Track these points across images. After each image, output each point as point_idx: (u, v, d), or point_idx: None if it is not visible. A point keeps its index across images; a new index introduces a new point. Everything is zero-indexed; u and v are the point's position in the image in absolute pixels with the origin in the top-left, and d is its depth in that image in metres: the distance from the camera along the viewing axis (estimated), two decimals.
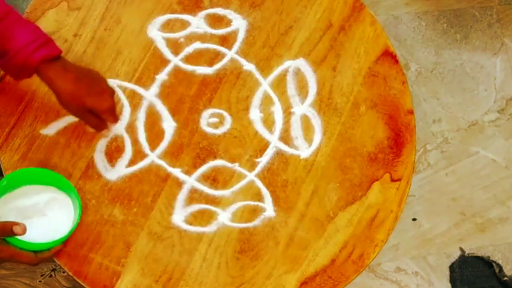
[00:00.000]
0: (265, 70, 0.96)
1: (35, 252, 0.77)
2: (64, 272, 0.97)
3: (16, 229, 0.71)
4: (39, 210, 0.80)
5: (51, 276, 1.00)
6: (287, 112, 0.95)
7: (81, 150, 0.89)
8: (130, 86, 0.92)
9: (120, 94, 0.92)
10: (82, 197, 0.86)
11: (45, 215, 0.80)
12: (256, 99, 0.94)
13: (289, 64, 0.96)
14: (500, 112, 1.61)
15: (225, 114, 0.93)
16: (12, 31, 0.76)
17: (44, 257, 0.78)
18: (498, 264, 1.49)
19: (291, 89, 0.95)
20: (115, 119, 0.87)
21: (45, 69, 0.77)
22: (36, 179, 0.81)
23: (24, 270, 0.95)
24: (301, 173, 0.92)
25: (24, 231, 0.71)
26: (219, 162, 0.91)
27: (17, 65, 0.76)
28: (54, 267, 1.00)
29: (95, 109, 0.81)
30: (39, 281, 0.99)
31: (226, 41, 0.96)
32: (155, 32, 0.95)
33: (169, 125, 0.92)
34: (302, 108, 0.95)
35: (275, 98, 0.95)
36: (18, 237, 0.73)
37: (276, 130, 0.94)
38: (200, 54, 0.95)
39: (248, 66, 0.96)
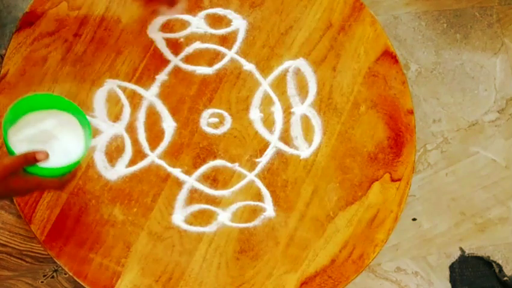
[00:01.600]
0: (265, 70, 0.96)
1: (58, 176, 0.75)
2: (65, 274, 0.98)
3: (39, 156, 0.69)
4: (49, 134, 0.77)
5: (53, 277, 1.01)
6: (287, 112, 0.95)
7: None
8: (130, 86, 0.92)
9: (120, 94, 0.92)
10: (82, 197, 0.86)
11: (56, 138, 0.77)
12: (256, 99, 0.94)
13: (289, 64, 0.96)
14: (500, 112, 1.61)
15: (225, 114, 0.93)
16: None
17: (68, 180, 0.76)
18: (498, 264, 1.49)
19: (291, 89, 0.95)
20: None
21: None
22: (39, 105, 0.78)
23: (26, 271, 0.95)
24: (301, 173, 0.92)
25: (47, 156, 0.70)
26: (219, 162, 0.91)
27: None
28: (56, 268, 1.00)
29: None
30: (41, 282, 0.99)
31: (226, 41, 0.96)
32: (155, 32, 0.95)
33: (169, 125, 0.92)
34: (302, 108, 0.95)
35: (275, 98, 0.95)
36: (39, 164, 0.71)
37: (276, 130, 0.94)
38: (200, 54, 0.95)
39: (248, 66, 0.96)
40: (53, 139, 0.77)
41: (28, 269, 0.94)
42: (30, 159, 0.69)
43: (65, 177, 0.76)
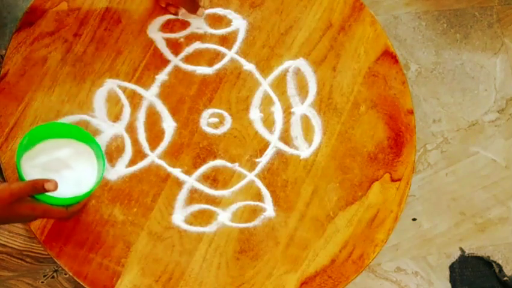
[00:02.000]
0: (265, 70, 0.96)
1: (66, 206, 0.75)
2: (65, 274, 0.98)
3: (48, 186, 0.69)
4: (62, 163, 0.78)
5: (53, 277, 1.01)
6: (287, 112, 0.95)
7: None
8: (130, 86, 0.92)
9: (120, 94, 0.92)
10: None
11: (70, 168, 0.78)
12: (256, 99, 0.94)
13: (289, 64, 0.96)
14: (500, 112, 1.61)
15: (225, 114, 0.93)
16: None
17: (75, 210, 0.76)
18: (498, 264, 1.49)
19: (291, 89, 0.95)
20: None
21: None
22: (54, 133, 0.79)
23: (26, 272, 0.95)
24: (301, 173, 0.92)
25: (56, 186, 0.69)
26: (219, 162, 0.91)
27: None
28: (56, 268, 1.00)
29: None
30: (42, 282, 0.99)
31: (226, 41, 0.96)
32: (155, 32, 0.95)
33: (169, 125, 0.92)
34: (302, 108, 0.95)
35: (275, 98, 0.95)
36: (49, 193, 0.71)
37: (276, 130, 0.94)
38: (200, 54, 0.95)
39: (248, 66, 0.96)
40: (66, 168, 0.77)
41: (28, 269, 0.94)
42: (39, 187, 0.69)
43: (73, 208, 0.76)
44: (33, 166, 0.75)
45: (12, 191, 0.68)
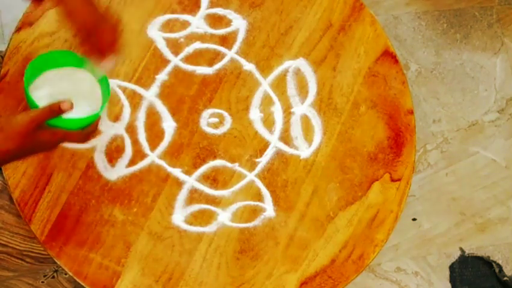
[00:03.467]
0: (265, 70, 0.96)
1: (81, 128, 0.76)
2: (65, 274, 0.98)
3: (64, 106, 0.71)
4: (68, 90, 0.79)
5: (53, 277, 1.01)
6: (287, 112, 0.95)
7: (81, 150, 0.88)
8: (130, 86, 0.92)
9: (120, 94, 0.92)
10: (81, 197, 0.86)
11: (76, 93, 0.78)
12: (256, 99, 0.94)
13: (289, 64, 0.96)
14: (500, 112, 1.61)
15: (225, 114, 0.93)
16: None
17: (90, 131, 0.78)
18: (498, 264, 1.49)
19: (291, 89, 0.95)
20: None
21: None
22: (55, 62, 0.80)
23: (27, 271, 0.95)
24: (301, 173, 0.92)
25: (72, 106, 0.71)
26: (219, 162, 0.91)
27: None
28: (56, 268, 1.00)
29: None
30: (42, 282, 0.99)
31: (226, 41, 0.96)
32: (155, 32, 0.95)
33: (169, 125, 0.92)
34: (302, 108, 0.95)
35: (275, 98, 0.95)
36: (64, 116, 0.72)
37: (276, 130, 0.94)
38: (200, 54, 0.95)
39: (248, 66, 0.96)
40: (73, 94, 0.78)
41: (28, 269, 0.94)
42: (56, 109, 0.71)
43: (87, 129, 0.77)
44: (40, 97, 0.76)
45: (32, 117, 0.69)
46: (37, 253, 0.93)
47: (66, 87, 0.80)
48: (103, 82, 0.80)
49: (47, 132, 0.72)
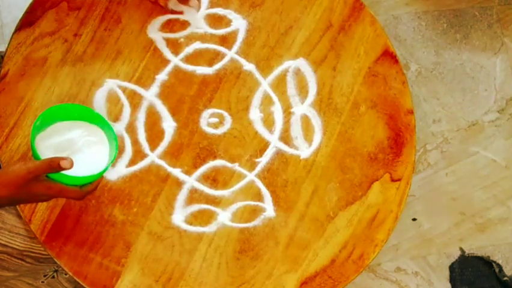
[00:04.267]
0: (265, 70, 0.96)
1: (80, 186, 0.76)
2: (65, 274, 0.97)
3: (64, 163, 0.69)
4: (75, 144, 0.78)
5: (53, 277, 1.01)
6: (287, 112, 0.95)
7: None
8: (130, 86, 0.92)
9: (120, 94, 0.92)
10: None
11: (83, 149, 0.78)
12: (256, 99, 0.94)
13: (289, 64, 0.96)
14: (500, 112, 1.61)
15: (225, 114, 0.93)
16: None
17: (89, 190, 0.76)
18: (498, 264, 1.49)
19: (291, 89, 0.95)
20: None
21: None
22: (67, 115, 0.79)
23: (27, 272, 0.95)
24: (301, 173, 0.92)
25: (71, 165, 0.70)
26: (219, 162, 0.91)
27: None
28: (56, 268, 1.00)
29: None
30: (42, 282, 0.99)
31: (226, 41, 0.96)
32: (155, 32, 0.95)
33: (169, 125, 0.92)
34: (302, 108, 0.95)
35: (275, 98, 0.95)
36: (64, 172, 0.71)
37: (276, 130, 0.94)
38: (200, 54, 0.95)
39: (248, 66, 0.96)
40: (79, 149, 0.78)
41: (29, 269, 0.94)
42: (55, 165, 0.69)
43: (86, 188, 0.76)
44: (47, 147, 0.76)
45: (30, 169, 0.68)
46: (37, 253, 0.93)
47: (74, 141, 0.78)
48: (113, 142, 0.79)
49: (42, 185, 0.70)
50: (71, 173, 0.72)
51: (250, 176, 0.91)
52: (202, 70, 0.95)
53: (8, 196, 0.69)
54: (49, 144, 0.77)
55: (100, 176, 0.77)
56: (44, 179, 0.71)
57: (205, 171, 0.91)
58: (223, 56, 0.96)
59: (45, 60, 0.92)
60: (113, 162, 0.78)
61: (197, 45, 0.95)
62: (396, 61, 0.99)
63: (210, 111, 0.93)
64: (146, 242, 0.87)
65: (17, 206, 0.86)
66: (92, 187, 0.77)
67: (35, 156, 0.73)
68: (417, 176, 1.54)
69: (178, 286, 0.86)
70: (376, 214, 0.92)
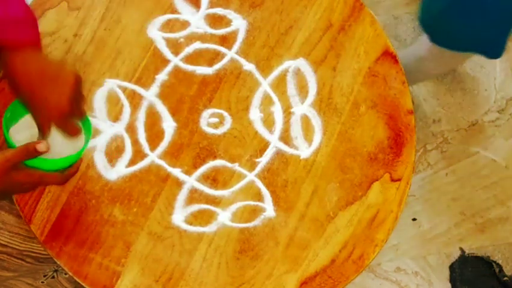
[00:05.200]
0: (265, 70, 0.96)
1: (60, 170, 0.75)
2: (65, 274, 0.98)
3: (40, 147, 0.69)
4: (50, 132, 0.76)
5: (53, 277, 1.01)
6: (287, 112, 0.95)
7: None
8: (130, 86, 0.93)
9: (120, 94, 0.92)
10: (82, 197, 0.86)
11: (57, 135, 0.76)
12: (256, 99, 0.95)
13: (289, 64, 0.96)
14: (500, 112, 1.61)
15: (225, 114, 0.94)
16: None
17: (70, 173, 0.76)
18: (498, 264, 1.49)
19: (291, 89, 0.96)
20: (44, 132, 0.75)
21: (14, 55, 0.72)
22: None
23: (27, 272, 0.95)
24: (301, 173, 0.92)
25: (48, 147, 0.70)
26: (219, 162, 0.91)
27: None
28: (56, 268, 1.00)
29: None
30: (42, 282, 0.99)
31: (226, 41, 0.96)
32: (155, 32, 0.95)
33: (169, 125, 0.92)
34: (302, 108, 0.95)
35: (275, 98, 0.95)
36: (41, 156, 0.70)
37: (276, 130, 0.94)
38: (200, 54, 0.95)
39: (248, 66, 0.96)
40: (53, 136, 0.76)
41: (28, 269, 0.94)
42: (32, 150, 0.69)
43: (67, 171, 0.76)
44: (21, 141, 0.74)
45: (7, 157, 0.67)
46: (37, 253, 0.93)
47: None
48: (86, 123, 0.78)
49: (23, 173, 0.70)
50: (49, 156, 0.72)
51: (250, 176, 0.91)
52: (202, 70, 0.95)
53: None
54: (23, 137, 0.76)
55: (78, 157, 0.76)
56: (23, 168, 0.71)
57: (205, 171, 0.91)
58: (223, 56, 0.96)
59: None
60: (88, 143, 0.77)
61: (197, 45, 0.95)
62: (396, 61, 0.99)
63: (210, 111, 0.93)
64: (146, 242, 0.87)
65: (17, 206, 0.86)
66: (73, 170, 0.76)
67: (10, 145, 0.72)
68: (417, 176, 1.54)
69: (178, 286, 0.86)
70: (376, 214, 0.92)
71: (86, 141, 0.77)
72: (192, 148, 0.91)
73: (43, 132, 0.73)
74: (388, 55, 0.99)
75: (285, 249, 0.89)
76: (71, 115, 0.74)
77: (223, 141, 0.92)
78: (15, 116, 0.76)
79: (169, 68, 0.94)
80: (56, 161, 0.73)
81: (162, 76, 0.93)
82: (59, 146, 0.75)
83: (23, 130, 0.77)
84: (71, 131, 0.75)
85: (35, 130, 0.76)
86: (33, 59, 0.73)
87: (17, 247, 0.91)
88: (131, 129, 0.91)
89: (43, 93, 0.72)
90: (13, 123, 0.77)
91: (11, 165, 0.68)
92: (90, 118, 0.79)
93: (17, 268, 0.93)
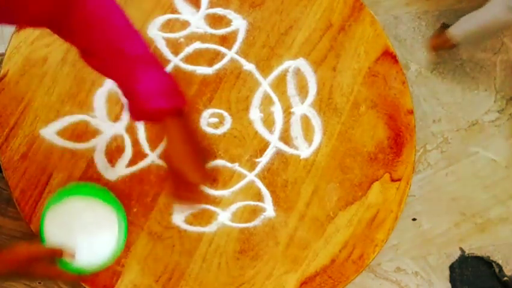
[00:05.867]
0: (265, 70, 0.96)
1: (78, 273, 0.77)
2: None
3: (66, 256, 0.73)
4: (83, 227, 0.79)
5: None
6: (287, 112, 0.95)
7: (81, 151, 0.88)
8: None
9: (120, 94, 0.92)
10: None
11: (91, 234, 0.79)
12: (256, 99, 0.94)
13: (289, 64, 0.96)
14: (500, 112, 1.61)
15: (225, 114, 0.93)
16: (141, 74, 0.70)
17: (85, 277, 0.80)
18: (498, 264, 1.49)
19: (291, 89, 0.95)
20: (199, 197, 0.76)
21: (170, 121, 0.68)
22: (82, 191, 0.81)
23: None
24: (301, 173, 0.92)
25: (73, 258, 0.73)
26: (219, 162, 0.91)
27: (144, 110, 0.69)
28: None
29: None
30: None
31: (226, 41, 0.96)
32: (155, 32, 0.95)
33: None
34: (302, 108, 0.95)
35: (275, 98, 0.95)
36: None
37: (276, 130, 0.94)
38: (200, 54, 0.95)
39: (248, 66, 0.96)
40: (87, 234, 0.79)
41: None
42: (58, 255, 0.72)
43: (84, 275, 0.78)
44: (58, 225, 0.77)
45: (30, 252, 0.70)
46: None
47: (83, 224, 0.79)
48: (121, 231, 0.80)
49: (42, 268, 0.72)
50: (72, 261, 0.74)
51: (250, 176, 0.91)
52: (202, 70, 0.95)
53: (5, 271, 0.70)
54: (60, 222, 0.78)
55: (99, 270, 0.78)
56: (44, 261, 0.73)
57: None
58: (223, 56, 0.96)
59: (45, 60, 0.92)
60: (117, 256, 0.79)
61: (197, 45, 0.95)
62: (396, 61, 0.99)
63: (210, 111, 0.93)
64: (146, 242, 0.87)
65: (17, 206, 0.86)
66: (89, 275, 0.79)
67: (41, 238, 0.75)
68: (417, 176, 1.54)
69: (178, 286, 0.86)
70: (376, 214, 0.92)
71: (114, 256, 0.79)
72: None
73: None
74: (388, 55, 0.99)
75: (285, 249, 0.89)
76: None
77: (223, 141, 0.92)
78: (59, 196, 0.79)
79: (169, 68, 0.94)
80: (80, 269, 0.75)
81: None
82: (86, 251, 0.77)
83: (59, 218, 0.78)
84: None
85: (70, 220, 0.78)
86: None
87: None
88: (131, 129, 0.91)
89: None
90: (55, 204, 0.78)
91: (32, 259, 0.70)
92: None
93: None
